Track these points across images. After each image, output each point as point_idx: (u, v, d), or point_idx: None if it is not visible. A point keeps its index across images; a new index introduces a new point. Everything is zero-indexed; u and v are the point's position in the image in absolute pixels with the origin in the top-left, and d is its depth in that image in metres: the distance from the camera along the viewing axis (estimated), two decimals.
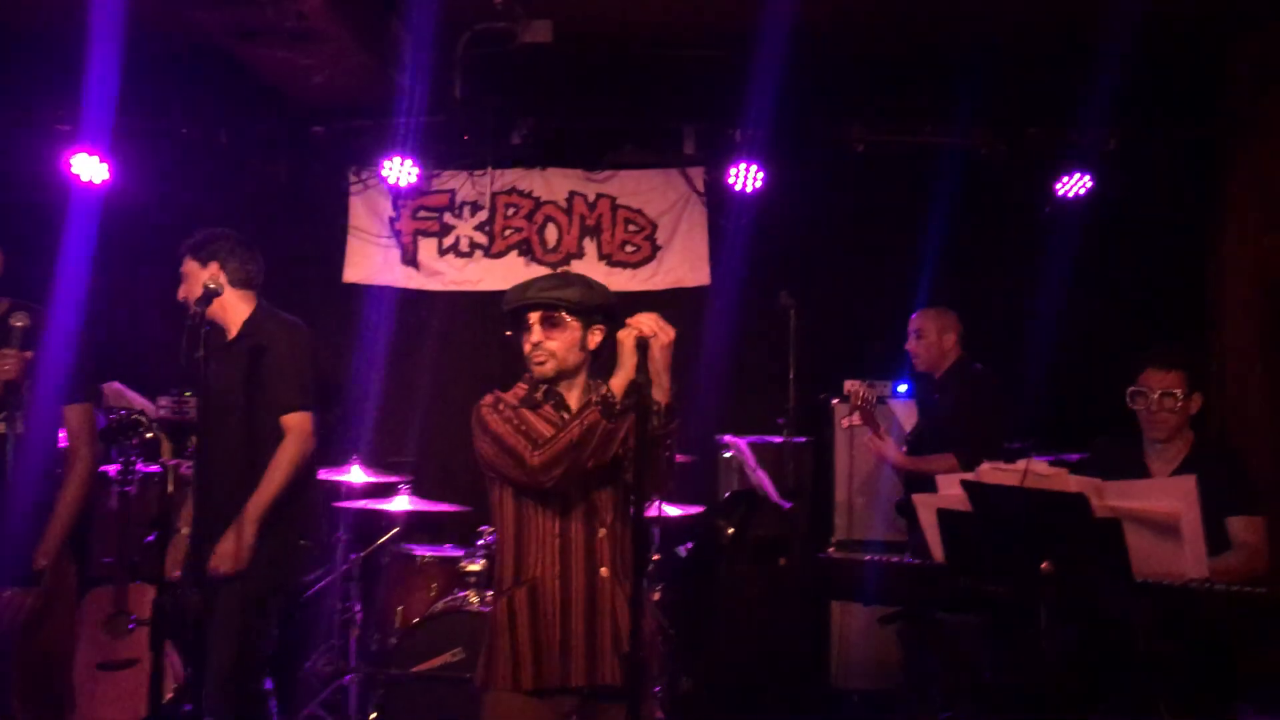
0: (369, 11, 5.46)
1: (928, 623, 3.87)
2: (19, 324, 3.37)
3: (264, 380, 3.83)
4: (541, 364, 2.94)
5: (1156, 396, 3.73)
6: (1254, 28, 5.83)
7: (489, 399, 2.99)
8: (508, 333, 3.01)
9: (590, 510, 2.93)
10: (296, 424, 3.82)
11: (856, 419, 5.12)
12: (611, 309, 3.00)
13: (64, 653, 3.67)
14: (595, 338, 2.97)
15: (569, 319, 2.93)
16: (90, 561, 4.50)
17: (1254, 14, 5.73)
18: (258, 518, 3.71)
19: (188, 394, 5.48)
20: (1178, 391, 3.71)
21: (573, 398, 2.98)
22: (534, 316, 2.94)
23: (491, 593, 4.53)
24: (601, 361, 3.01)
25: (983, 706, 4.11)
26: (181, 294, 3.99)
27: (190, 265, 3.96)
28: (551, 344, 2.93)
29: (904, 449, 5.09)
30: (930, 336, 4.97)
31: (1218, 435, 5.84)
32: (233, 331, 3.94)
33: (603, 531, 2.94)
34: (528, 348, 2.95)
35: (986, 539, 3.05)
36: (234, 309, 3.94)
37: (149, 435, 4.11)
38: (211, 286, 3.66)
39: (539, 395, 2.98)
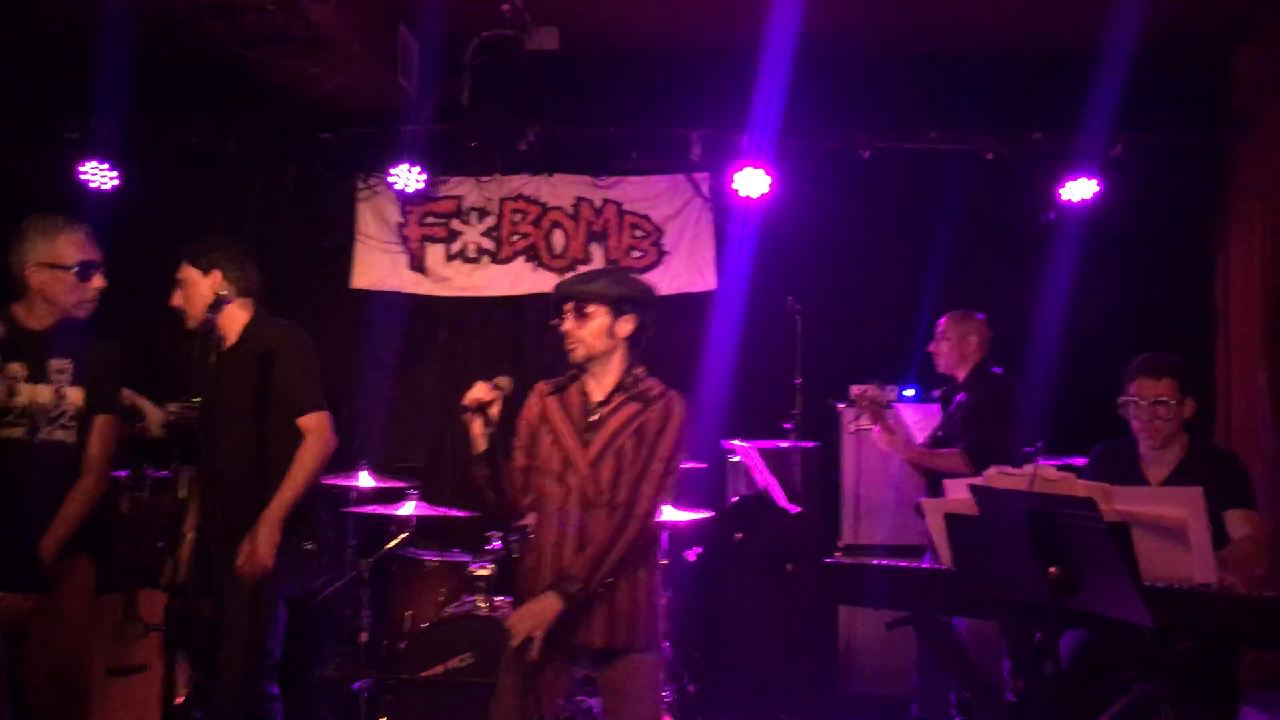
0: (377, 19, 5.49)
1: (935, 627, 3.88)
2: None
3: (273, 384, 3.82)
4: (572, 350, 3.26)
5: (1149, 405, 3.74)
6: (1257, 34, 5.85)
7: (533, 392, 3.36)
8: (553, 321, 3.30)
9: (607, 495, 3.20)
10: (316, 424, 3.81)
11: (865, 422, 5.13)
12: (639, 299, 3.28)
13: (83, 653, 3.68)
14: (625, 326, 3.26)
15: (595, 309, 3.23)
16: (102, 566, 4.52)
17: (1257, 20, 5.75)
18: (281, 518, 3.70)
19: (196, 400, 5.49)
20: (1170, 399, 3.72)
21: (605, 384, 3.27)
22: (567, 307, 3.25)
23: (502, 598, 4.62)
24: (640, 350, 3.32)
25: (992, 711, 4.11)
26: (177, 300, 3.92)
27: (190, 272, 3.88)
28: (580, 332, 3.24)
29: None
30: (952, 339, 5.00)
31: (1224, 437, 5.86)
32: (231, 339, 3.91)
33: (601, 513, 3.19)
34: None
35: (994, 543, 3.05)
36: (233, 317, 3.90)
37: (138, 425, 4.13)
38: (223, 293, 3.68)
39: (565, 380, 3.33)
